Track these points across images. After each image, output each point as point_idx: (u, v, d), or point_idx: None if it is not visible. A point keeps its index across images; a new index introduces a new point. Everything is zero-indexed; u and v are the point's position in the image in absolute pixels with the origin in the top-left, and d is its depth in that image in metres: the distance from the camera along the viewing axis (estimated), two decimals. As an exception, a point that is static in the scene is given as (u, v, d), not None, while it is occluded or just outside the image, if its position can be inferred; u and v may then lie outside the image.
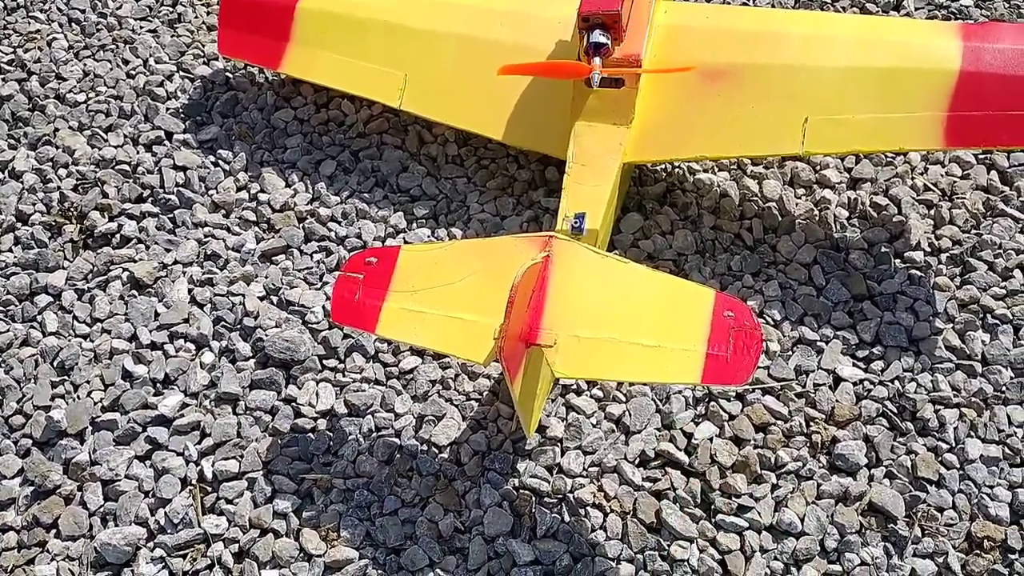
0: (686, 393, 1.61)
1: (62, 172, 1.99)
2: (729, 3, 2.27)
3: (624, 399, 1.62)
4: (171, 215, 1.91)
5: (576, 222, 1.60)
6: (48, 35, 2.26)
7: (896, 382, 1.61)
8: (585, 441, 1.56)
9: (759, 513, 1.48)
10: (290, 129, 2.05)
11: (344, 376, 1.64)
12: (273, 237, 1.87)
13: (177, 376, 1.67)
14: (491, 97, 1.83)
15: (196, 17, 2.30)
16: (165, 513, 1.51)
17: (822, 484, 1.51)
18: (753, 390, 1.61)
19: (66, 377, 1.68)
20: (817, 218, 1.84)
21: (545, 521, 1.47)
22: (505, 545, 1.45)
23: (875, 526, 1.47)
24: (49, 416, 1.61)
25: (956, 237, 1.79)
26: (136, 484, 1.54)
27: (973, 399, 1.59)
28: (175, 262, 1.84)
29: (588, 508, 1.49)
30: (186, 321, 1.74)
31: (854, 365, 1.64)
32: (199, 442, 1.58)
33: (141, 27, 2.27)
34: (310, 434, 1.59)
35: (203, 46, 2.22)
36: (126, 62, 2.19)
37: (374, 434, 1.58)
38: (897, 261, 1.76)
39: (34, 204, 1.94)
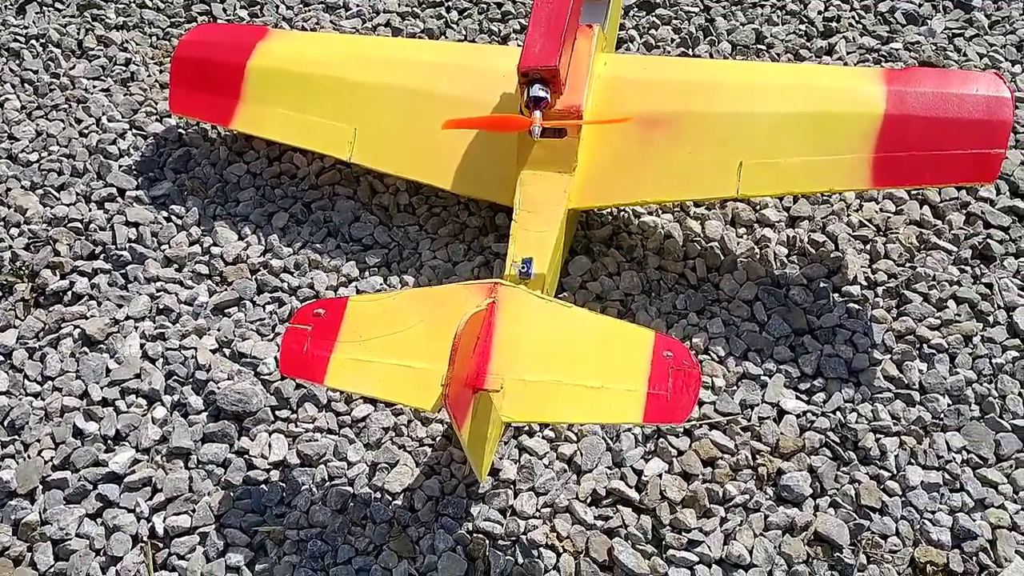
0: (635, 431, 1.64)
1: (14, 231, 2.00)
2: (670, 53, 2.35)
3: (575, 439, 1.64)
4: (123, 271, 1.92)
5: (524, 267, 1.63)
6: (0, 96, 2.28)
7: (838, 413, 1.66)
8: (538, 482, 1.58)
9: (709, 547, 1.50)
10: (243, 183, 2.08)
11: (297, 426, 1.66)
12: (225, 290, 1.88)
13: (128, 432, 1.67)
14: (439, 148, 1.88)
15: (149, 76, 2.33)
16: (116, 571, 1.50)
17: (769, 516, 1.54)
18: (700, 425, 1.65)
19: (16, 437, 1.68)
20: (758, 256, 1.89)
21: (499, 564, 1.49)
22: (459, 589, 1.46)
23: (821, 555, 1.50)
24: (-2, 477, 1.60)
25: (891, 271, 1.85)
26: (87, 542, 1.54)
27: (912, 427, 1.63)
28: (127, 317, 1.84)
29: (541, 549, 1.51)
30: (138, 376, 1.75)
31: (797, 398, 1.68)
32: (150, 498, 1.58)
33: (94, 87, 2.30)
34: (263, 486, 1.59)
35: (156, 104, 2.25)
36: (79, 121, 2.22)
37: (327, 483, 1.59)
38: (835, 295, 1.82)
39: (-15, 264, 1.94)
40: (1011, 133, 2.07)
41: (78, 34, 2.44)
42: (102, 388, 1.73)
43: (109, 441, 1.66)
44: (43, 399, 1.73)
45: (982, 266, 1.86)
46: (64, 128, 2.20)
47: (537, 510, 1.55)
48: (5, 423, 1.69)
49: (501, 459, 1.61)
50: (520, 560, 1.50)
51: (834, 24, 2.38)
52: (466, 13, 2.47)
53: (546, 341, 1.42)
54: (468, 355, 1.33)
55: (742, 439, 1.63)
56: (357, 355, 1.45)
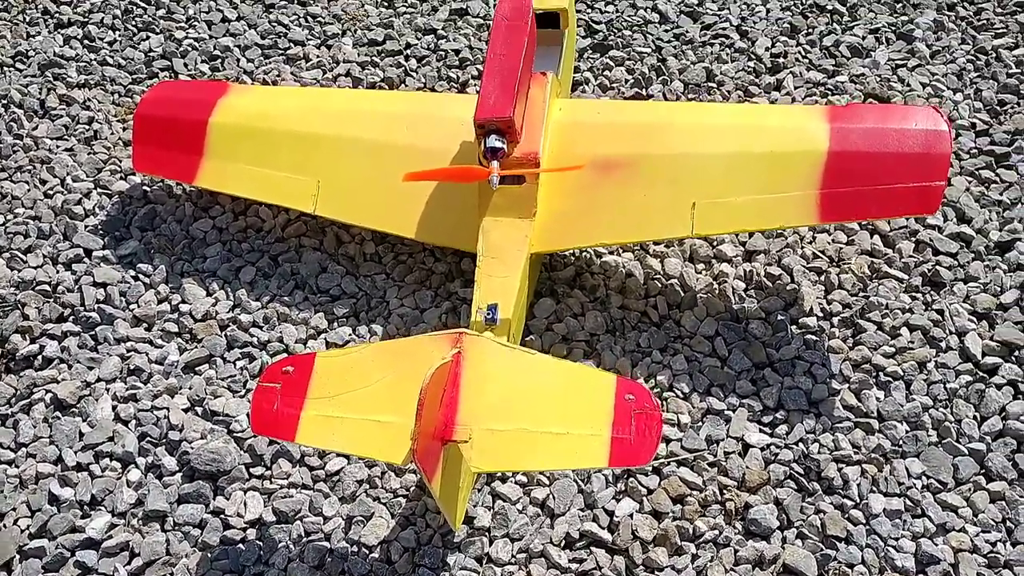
0: (606, 471, 1.67)
1: (-20, 297, 2.00)
2: (624, 94, 2.41)
3: (548, 482, 1.67)
4: (92, 332, 1.93)
5: (489, 313, 1.67)
6: (-37, 161, 2.29)
7: (800, 444, 1.70)
8: (512, 528, 1.61)
9: (681, 584, 1.54)
10: (209, 238, 2.10)
11: (271, 483, 1.67)
12: (196, 347, 1.90)
13: (104, 496, 1.68)
14: (402, 198, 1.91)
15: (112, 133, 2.35)
16: (96, 638, 1.50)
17: (739, 550, 1.58)
18: (668, 462, 1.69)
19: (-9, 506, 1.68)
20: (717, 291, 1.94)
21: (476, 611, 1.51)
22: (438, 639, 1.48)
23: (790, 587, 1.55)
24: (-27, 548, 1.60)
25: (845, 301, 1.91)
26: (65, 611, 1.54)
27: (873, 455, 1.68)
28: (98, 380, 1.85)
29: (517, 594, 1.54)
30: (111, 439, 1.76)
31: (760, 431, 1.73)
32: (128, 563, 1.59)
33: (58, 146, 2.32)
34: (240, 545, 1.60)
35: (120, 162, 2.27)
36: (44, 182, 2.23)
37: (304, 539, 1.61)
38: (793, 327, 1.87)
39: (-47, 331, 1.95)
40: (952, 162, 2.16)
41: (40, 94, 2.46)
42: (76, 452, 1.74)
43: (85, 506, 1.67)
44: (17, 466, 1.74)
45: (933, 293, 1.92)
46: (29, 189, 2.22)
47: (512, 556, 1.58)
48: (-22, 492, 1.69)
49: (475, 506, 1.63)
50: (497, 606, 1.52)
51: (781, 60, 2.46)
52: (424, 61, 2.52)
53: (512, 389, 1.46)
54: (435, 408, 1.36)
55: (709, 475, 1.67)
56: (327, 411, 1.47)
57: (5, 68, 2.55)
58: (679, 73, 2.43)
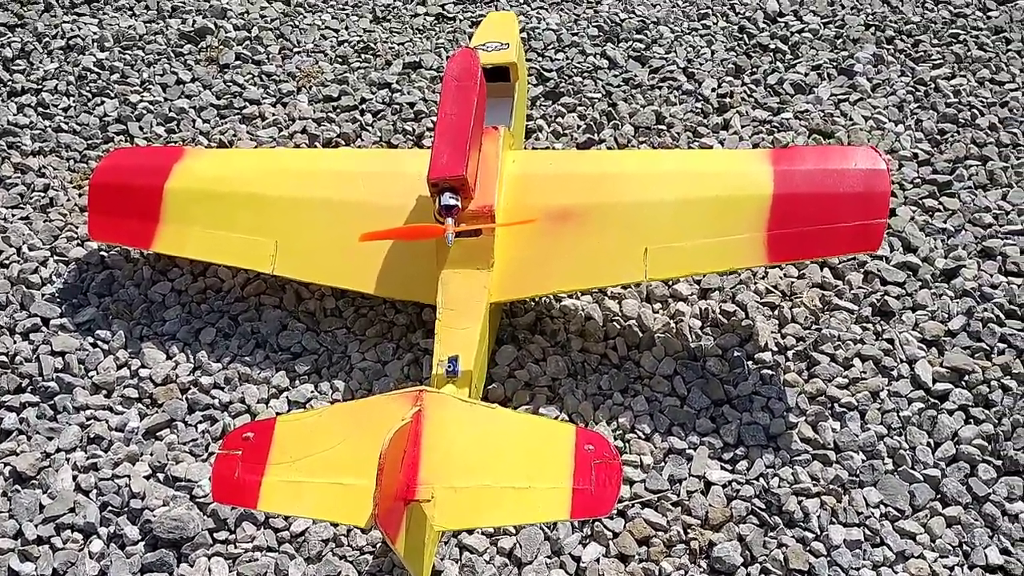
0: (571, 517, 1.68)
1: (-63, 371, 1.99)
2: (576, 140, 2.46)
3: (514, 531, 1.68)
4: (51, 402, 1.92)
5: (450, 366, 1.69)
6: (-83, 232, 2.28)
7: (761, 479, 1.73)
8: (479, 579, 1.61)
9: (649, 628, 1.55)
10: (168, 301, 2.11)
11: (236, 547, 1.66)
12: (156, 412, 1.89)
13: (66, 570, 1.66)
14: (360, 254, 1.92)
15: (68, 200, 2.35)
16: None
17: (704, 590, 1.59)
18: (632, 504, 1.70)
19: (-51, 585, 1.65)
20: (674, 331, 1.97)
21: (446, 667, 1.51)
22: None
23: (757, 624, 1.56)
24: (-67, 631, 1.57)
25: (799, 334, 1.95)
26: None
27: (831, 486, 1.71)
28: (58, 450, 1.84)
29: (487, 647, 1.54)
30: (72, 510, 1.74)
31: (722, 468, 1.75)
32: (92, 637, 1.57)
33: (13, 215, 2.32)
34: (206, 612, 1.59)
35: (76, 228, 2.27)
36: (-1, 252, 2.23)
37: (270, 602, 1.60)
38: (749, 363, 1.90)
39: (-91, 407, 1.93)
40: (896, 193, 2.22)
41: (-6, 163, 2.46)
42: (36, 526, 1.72)
43: (46, 581, 1.65)
44: (-24, 543, 1.71)
45: (883, 322, 1.97)
46: (-16, 260, 2.21)
47: (480, 607, 1.58)
48: (-63, 572, 1.67)
49: (442, 559, 1.64)
50: (467, 661, 1.52)
51: (728, 100, 2.52)
52: (380, 115, 2.56)
53: (473, 445, 1.47)
54: (396, 470, 1.37)
55: (673, 515, 1.69)
56: (288, 476, 1.47)
57: (-41, 139, 2.55)
58: (629, 117, 2.49)
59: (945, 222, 2.17)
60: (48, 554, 1.68)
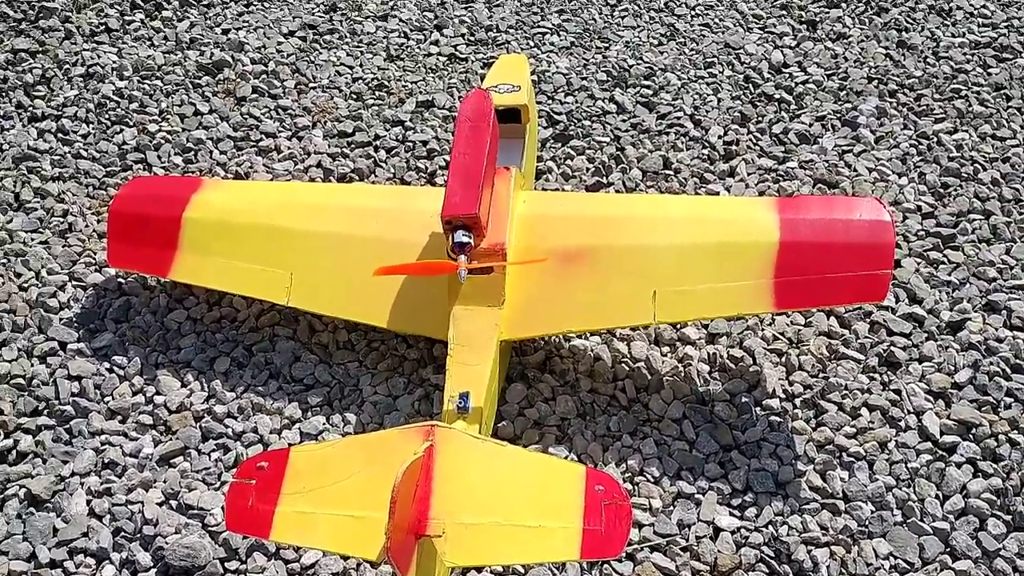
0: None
1: (-48, 392, 2.00)
2: (585, 182, 2.50)
3: (523, 571, 1.69)
4: (67, 426, 1.93)
5: (461, 402, 1.71)
6: (-65, 254, 2.31)
7: (770, 527, 1.75)
8: (487, 617, 1.62)
9: (656, 671, 1.56)
10: (183, 329, 2.13)
11: (247, 578, 1.68)
12: (170, 439, 1.91)
13: (77, 595, 1.66)
14: (374, 288, 1.95)
15: (87, 226, 2.38)
16: None
17: (711, 634, 1.60)
18: (642, 548, 1.72)
19: (-41, 609, 1.66)
20: (682, 374, 2.00)
21: None
22: None
23: (763, 670, 1.57)
24: (-58, 654, 1.58)
25: (806, 382, 1.98)
26: None
27: (840, 536, 1.73)
28: (72, 474, 1.85)
29: None
30: (85, 535, 1.75)
31: (731, 514, 1.77)
32: (102, 664, 1.58)
33: (32, 239, 2.34)
34: (215, 642, 1.60)
35: (95, 254, 2.30)
36: (18, 275, 2.25)
37: (280, 634, 1.61)
38: (757, 409, 1.93)
39: (-77, 428, 1.94)
40: (901, 244, 2.26)
41: (14, 187, 2.49)
42: (50, 549, 1.73)
43: (56, 606, 1.66)
44: (-13, 565, 1.72)
45: (889, 373, 2.00)
46: (4, 283, 2.23)
47: (489, 645, 1.59)
48: (-54, 594, 1.67)
49: (451, 596, 1.64)
50: None
51: (733, 147, 2.58)
52: (393, 152, 2.61)
53: (484, 482, 1.49)
54: (408, 504, 1.38)
55: (682, 559, 1.70)
56: (301, 507, 1.49)
57: (-21, 162, 2.59)
58: (637, 161, 2.54)
59: (950, 275, 2.21)
60: (59, 579, 1.69)
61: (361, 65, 2.98)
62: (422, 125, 2.70)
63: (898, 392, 1.95)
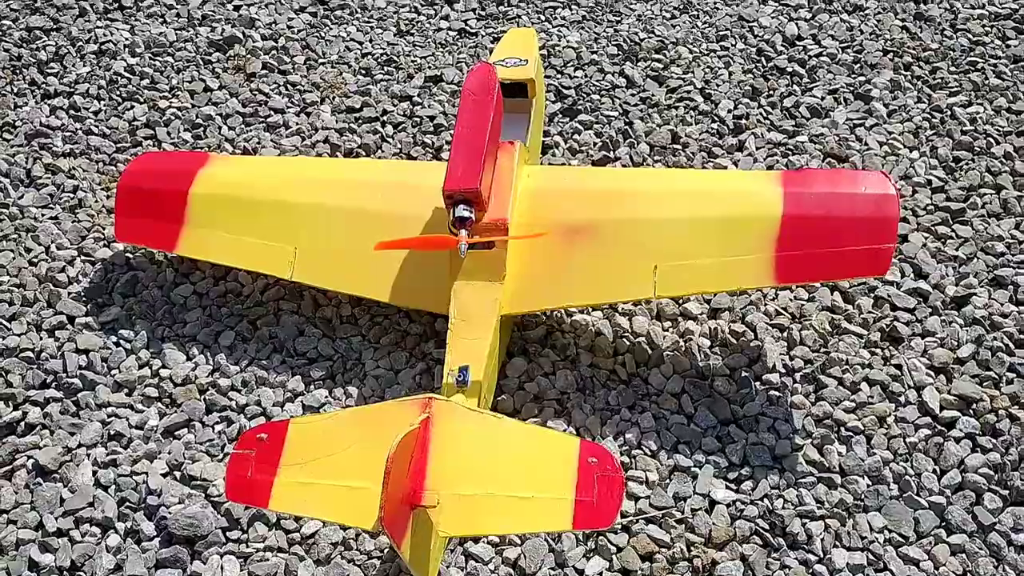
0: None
1: (-36, 365, 2.05)
2: (592, 157, 2.49)
3: (519, 542, 1.71)
4: (74, 399, 1.97)
5: (460, 376, 1.72)
6: (-51, 229, 2.35)
7: (765, 500, 1.75)
8: (483, 587, 1.64)
9: (648, 641, 1.57)
10: (189, 304, 2.16)
11: (247, 547, 1.70)
12: (175, 412, 1.94)
13: (83, 562, 1.70)
14: (376, 263, 1.96)
15: (96, 201, 2.41)
16: None
17: (705, 606, 1.62)
18: (637, 520, 1.73)
19: (-30, 574, 1.71)
20: (683, 349, 2.00)
21: (448, 672, 1.54)
22: None
23: (755, 642, 1.58)
24: (-47, 617, 1.62)
25: (807, 356, 1.97)
26: None
27: (836, 510, 1.73)
28: (79, 445, 1.89)
29: (489, 654, 1.57)
30: (91, 504, 1.79)
31: (727, 487, 1.78)
32: (106, 629, 1.62)
33: (43, 215, 2.38)
34: (216, 609, 1.63)
35: (103, 229, 2.33)
36: (28, 250, 2.28)
37: (279, 602, 1.64)
38: (757, 384, 1.93)
39: (-64, 399, 1.98)
40: (909, 219, 2.24)
41: (26, 163, 2.52)
42: (57, 518, 1.77)
43: (65, 572, 1.70)
44: (-3, 532, 1.77)
45: (891, 348, 1.98)
46: (14, 258, 2.27)
47: (484, 615, 1.61)
48: (-42, 560, 1.72)
49: (448, 567, 1.67)
50: (468, 667, 1.55)
51: (743, 121, 2.55)
52: (400, 127, 2.61)
53: (479, 454, 1.51)
54: (402, 475, 1.40)
55: (677, 532, 1.71)
56: (299, 478, 1.51)
57: (-8, 139, 2.62)
58: (645, 135, 2.52)
59: (957, 249, 2.19)
60: (67, 546, 1.72)
61: (371, 40, 2.98)
62: (430, 100, 2.70)
63: (899, 367, 1.94)
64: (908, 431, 1.84)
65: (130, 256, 2.27)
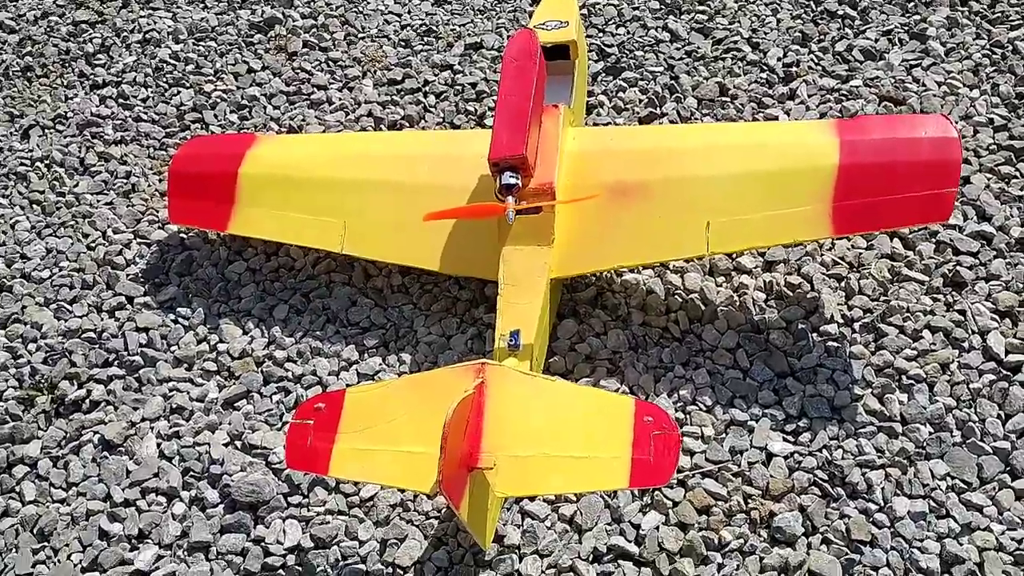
0: (631, 486, 1.70)
1: (31, 347, 2.11)
2: (638, 114, 2.45)
3: (575, 499, 1.71)
4: (136, 375, 2.03)
5: (512, 340, 1.72)
6: (11, 218, 2.42)
7: (824, 451, 1.72)
8: (541, 544, 1.65)
9: (709, 595, 1.56)
10: (243, 280, 2.19)
11: (308, 511, 1.74)
12: (234, 384, 1.98)
13: (151, 530, 1.76)
14: (425, 233, 1.96)
15: (149, 185, 2.47)
16: (148, 668, 1.58)
17: (764, 558, 1.59)
18: (693, 474, 1.71)
19: (46, 543, 1.77)
20: (737, 304, 1.97)
21: (509, 629, 1.55)
22: (472, 657, 1.53)
23: (818, 593, 1.56)
24: (32, 584, 1.69)
25: (866, 306, 1.92)
26: (119, 643, 1.62)
27: (896, 458, 1.69)
28: (143, 419, 1.94)
29: (549, 610, 1.57)
30: (156, 475, 1.84)
31: (784, 439, 1.75)
32: (175, 593, 1.67)
33: (98, 201, 2.44)
34: (280, 571, 1.67)
35: (157, 212, 2.38)
36: (86, 235, 2.35)
37: (341, 564, 1.67)
38: (814, 335, 1.89)
39: (6, 380, 2.05)
40: (971, 160, 2.16)
41: (79, 152, 2.58)
42: (123, 489, 1.83)
43: (133, 540, 1.75)
44: (69, 504, 1.83)
45: (954, 293, 1.92)
46: (72, 243, 2.33)
47: (542, 572, 1.62)
48: (35, 531, 1.79)
49: (504, 525, 1.68)
50: (529, 623, 1.56)
51: (794, 69, 2.48)
52: (443, 96, 2.60)
53: (533, 416, 1.50)
54: (459, 439, 1.41)
55: (734, 485, 1.69)
56: (357, 444, 1.53)
57: (46, 130, 2.69)
58: (692, 90, 2.47)
59: (1022, 189, 2.10)
60: (134, 515, 1.78)
61: (409, 12, 2.97)
62: (471, 67, 2.69)
63: (962, 313, 1.88)
64: (972, 377, 1.78)
65: (184, 237, 2.31)
